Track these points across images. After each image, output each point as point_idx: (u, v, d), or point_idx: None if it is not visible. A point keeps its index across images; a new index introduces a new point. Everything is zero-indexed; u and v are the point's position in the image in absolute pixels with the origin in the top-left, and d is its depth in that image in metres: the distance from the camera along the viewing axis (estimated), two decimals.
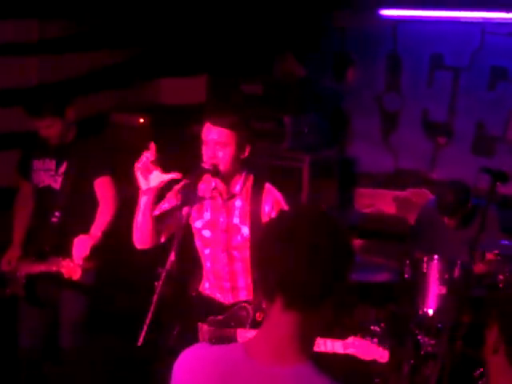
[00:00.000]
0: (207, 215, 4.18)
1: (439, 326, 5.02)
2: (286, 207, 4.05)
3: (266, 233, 2.15)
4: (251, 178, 4.13)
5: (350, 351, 3.66)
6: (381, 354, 3.63)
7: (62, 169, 5.01)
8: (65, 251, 4.77)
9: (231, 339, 3.91)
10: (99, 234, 4.84)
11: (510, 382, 2.18)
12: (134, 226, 4.17)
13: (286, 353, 2.05)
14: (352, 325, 5.23)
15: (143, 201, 4.10)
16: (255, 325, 3.95)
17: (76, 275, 4.73)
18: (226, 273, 4.15)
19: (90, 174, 4.99)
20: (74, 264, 4.72)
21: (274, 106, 7.10)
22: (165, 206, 4.22)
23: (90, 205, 5.00)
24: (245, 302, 4.08)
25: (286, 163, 6.87)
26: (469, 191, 5.78)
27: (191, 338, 3.98)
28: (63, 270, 4.74)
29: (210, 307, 4.19)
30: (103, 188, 5.02)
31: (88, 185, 5.01)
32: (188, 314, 4.16)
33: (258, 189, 4.10)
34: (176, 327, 3.95)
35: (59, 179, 5.01)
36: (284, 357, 2.05)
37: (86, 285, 4.94)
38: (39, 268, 4.88)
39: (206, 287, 4.28)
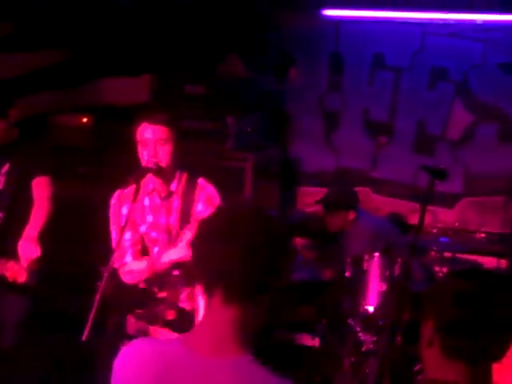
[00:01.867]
0: (150, 218, 4.20)
1: (380, 322, 5.06)
2: (219, 201, 4.08)
3: (204, 229, 2.16)
4: (185, 176, 4.16)
5: None
6: None
7: (5, 169, 4.92)
8: (8, 253, 4.72)
9: (146, 335, 3.93)
10: (35, 234, 4.78)
11: (445, 373, 2.22)
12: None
13: (226, 345, 2.09)
14: (294, 323, 5.27)
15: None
16: (165, 324, 3.95)
17: (21, 278, 4.68)
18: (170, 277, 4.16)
19: (31, 174, 4.94)
20: (19, 266, 4.67)
21: (217, 106, 7.10)
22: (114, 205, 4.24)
23: (33, 205, 4.96)
24: (160, 299, 4.09)
25: (229, 163, 6.87)
26: (352, 196, 6.08)
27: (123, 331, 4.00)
28: (7, 273, 4.68)
29: (139, 300, 4.19)
30: (40, 188, 4.96)
31: (31, 185, 4.95)
32: (122, 307, 4.16)
33: (191, 185, 4.13)
34: (110, 322, 3.95)
35: (2, 180, 4.93)
36: (223, 349, 2.08)
37: (29, 286, 4.89)
38: None
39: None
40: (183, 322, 3.95)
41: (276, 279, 2.11)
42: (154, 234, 4.21)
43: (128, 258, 4.21)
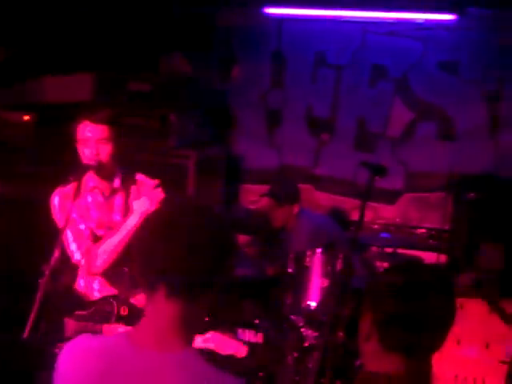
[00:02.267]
0: (94, 214, 4.19)
1: (322, 318, 5.10)
2: (162, 194, 4.08)
3: (147, 225, 2.18)
4: (127, 173, 4.17)
5: (210, 346, 3.75)
6: (239, 349, 3.72)
7: None
8: None
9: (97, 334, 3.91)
10: None
11: (383, 365, 2.26)
12: (107, 249, 4.08)
13: (169, 340, 2.11)
14: (237, 319, 5.28)
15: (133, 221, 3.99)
16: (119, 319, 3.96)
17: None
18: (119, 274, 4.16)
19: None
20: None
21: (160, 103, 7.09)
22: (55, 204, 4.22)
23: None
24: (111, 296, 4.09)
25: (172, 160, 6.87)
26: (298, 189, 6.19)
27: (57, 334, 3.98)
28: None
29: (78, 302, 4.18)
30: None
31: None
32: (55, 310, 4.14)
33: (130, 182, 4.14)
34: (42, 323, 3.93)
35: None
36: (167, 344, 2.11)
37: None
38: None
39: (95, 288, 4.27)
40: (135, 317, 3.97)
41: (219, 276, 2.14)
42: (100, 232, 4.21)
43: (77, 256, 4.20)
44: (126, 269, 4.07)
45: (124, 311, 4.00)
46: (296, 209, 6.10)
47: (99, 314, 4.08)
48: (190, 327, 2.15)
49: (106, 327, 3.99)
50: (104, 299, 4.12)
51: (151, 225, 2.18)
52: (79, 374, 2.14)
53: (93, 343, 2.19)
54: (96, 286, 4.27)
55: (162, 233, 2.11)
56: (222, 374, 2.09)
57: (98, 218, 4.20)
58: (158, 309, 2.14)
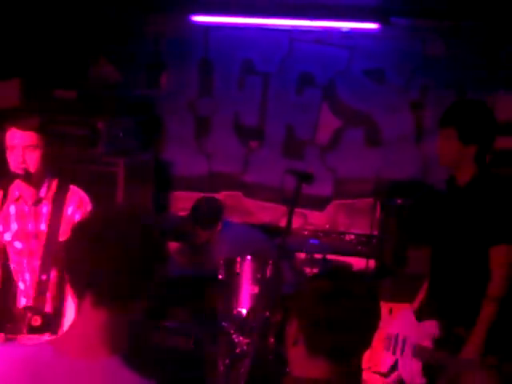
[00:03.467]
0: (14, 226, 4.13)
1: (253, 324, 5.13)
2: (91, 206, 4.07)
3: (75, 232, 2.17)
4: (55, 181, 4.12)
5: None
6: None
7: None
8: None
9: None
10: None
11: (309, 371, 2.29)
12: None
13: (95, 348, 2.09)
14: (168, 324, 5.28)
15: None
16: (31, 330, 3.93)
17: None
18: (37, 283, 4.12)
19: None
20: None
21: (88, 111, 7.04)
22: None
23: None
24: (26, 307, 4.06)
25: (101, 168, 6.82)
26: (221, 209, 6.28)
27: None
28: None
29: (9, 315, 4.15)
30: None
31: None
32: None
33: (62, 191, 4.10)
34: None
35: None
36: (93, 352, 2.09)
37: None
38: None
39: (22, 304, 4.22)
40: (49, 326, 3.94)
41: (148, 284, 2.13)
42: (18, 244, 4.14)
43: None
44: (45, 276, 4.03)
45: (36, 322, 3.96)
46: (219, 227, 6.16)
47: (17, 324, 4.04)
48: (118, 335, 2.13)
49: (20, 338, 3.95)
50: (22, 310, 4.09)
51: (78, 233, 2.16)
52: (2, 383, 2.11)
53: (16, 352, 2.16)
54: (23, 297, 4.23)
55: (87, 241, 2.09)
56: (145, 382, 2.09)
57: (17, 229, 4.15)
58: (84, 317, 2.12)
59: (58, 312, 4.04)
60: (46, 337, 3.86)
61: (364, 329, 2.31)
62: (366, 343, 2.35)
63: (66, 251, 2.17)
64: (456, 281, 4.17)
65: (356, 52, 6.96)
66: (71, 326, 2.18)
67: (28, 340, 3.88)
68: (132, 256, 2.08)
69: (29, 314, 3.97)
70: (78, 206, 4.08)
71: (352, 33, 6.87)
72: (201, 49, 7.37)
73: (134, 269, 2.08)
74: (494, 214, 4.05)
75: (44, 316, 3.97)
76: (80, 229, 2.17)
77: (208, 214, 6.27)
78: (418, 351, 4.12)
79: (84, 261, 2.08)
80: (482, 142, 4.22)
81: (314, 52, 7.06)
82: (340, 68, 7.00)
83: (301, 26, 6.96)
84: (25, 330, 3.95)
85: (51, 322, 3.98)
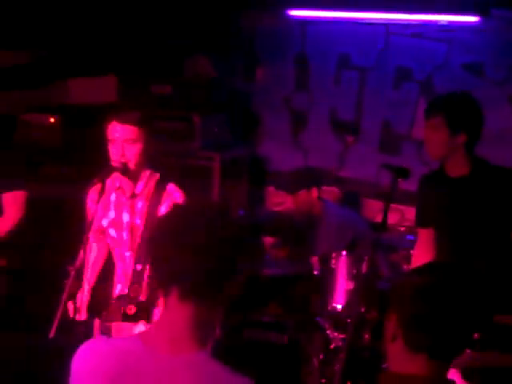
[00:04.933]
0: (112, 213, 4.22)
1: (348, 320, 5.10)
2: None
3: (160, 228, 2.19)
4: (156, 177, 4.17)
5: None
6: None
7: None
8: None
9: (108, 333, 3.97)
10: None
11: (408, 367, 2.26)
12: None
13: (182, 342, 2.12)
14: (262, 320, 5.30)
15: None
16: (126, 318, 3.99)
17: None
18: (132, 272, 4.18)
19: (3, 182, 5.00)
20: None
21: (183, 105, 7.11)
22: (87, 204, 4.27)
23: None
24: (121, 295, 4.12)
25: (197, 162, 6.89)
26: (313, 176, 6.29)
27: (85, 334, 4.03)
28: None
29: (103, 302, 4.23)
30: (11, 202, 5.03)
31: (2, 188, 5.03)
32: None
33: (160, 188, 4.14)
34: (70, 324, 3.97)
35: None
36: (180, 346, 2.11)
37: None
38: None
39: (116, 290, 4.30)
40: (143, 315, 4.00)
41: (232, 278, 2.14)
42: (112, 232, 4.22)
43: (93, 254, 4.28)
44: (140, 266, 4.08)
45: (130, 310, 4.03)
46: (315, 193, 6.10)
47: (111, 312, 4.12)
48: (204, 329, 2.15)
49: (114, 326, 4.02)
50: (117, 298, 4.16)
51: (163, 227, 2.18)
52: (92, 377, 2.15)
53: (106, 346, 2.21)
54: (118, 283, 4.30)
55: (173, 235, 2.11)
56: (234, 375, 2.09)
57: (114, 218, 4.22)
58: (171, 311, 2.15)
59: (152, 301, 4.09)
60: (141, 325, 3.93)
61: (464, 326, 2.27)
62: (466, 341, 2.31)
63: (151, 246, 2.21)
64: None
65: (454, 45, 6.83)
66: (158, 321, 2.23)
67: (122, 328, 3.96)
68: (216, 251, 2.09)
69: (123, 303, 4.05)
70: (169, 205, 4.12)
71: (450, 26, 6.75)
72: (297, 43, 7.35)
73: (219, 263, 2.10)
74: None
75: (138, 305, 4.04)
76: (164, 224, 2.20)
77: (294, 179, 6.28)
78: None
79: (169, 256, 2.10)
80: (471, 130, 4.16)
81: (412, 46, 6.96)
82: (438, 62, 6.89)
83: (398, 20, 6.88)
84: (119, 318, 4.03)
85: (145, 311, 4.05)
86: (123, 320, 4.02)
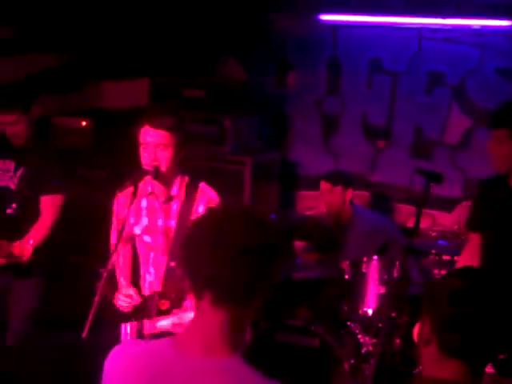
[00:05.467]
0: (145, 220, 4.23)
1: (379, 325, 5.09)
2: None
3: (194, 230, 2.18)
4: (186, 179, 4.18)
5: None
6: None
7: (19, 173, 5.16)
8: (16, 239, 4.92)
9: (141, 331, 3.98)
10: (29, 245, 4.87)
11: (441, 371, 2.25)
12: None
13: (214, 347, 2.11)
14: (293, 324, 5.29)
15: None
16: (160, 313, 4.02)
17: (27, 252, 4.81)
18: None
19: (42, 186, 5.14)
20: (23, 242, 4.85)
21: (215, 109, 7.13)
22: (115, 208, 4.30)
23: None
24: (154, 293, 4.14)
25: (228, 166, 6.91)
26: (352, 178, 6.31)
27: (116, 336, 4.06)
28: (14, 250, 4.83)
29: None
30: (48, 205, 5.17)
31: (39, 198, 5.17)
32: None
33: (192, 189, 4.16)
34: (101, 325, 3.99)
35: (16, 181, 5.16)
36: (212, 350, 2.11)
37: (38, 264, 5.03)
38: None
39: (146, 291, 4.31)
40: (177, 311, 4.01)
41: (266, 281, 2.13)
42: (147, 238, 4.24)
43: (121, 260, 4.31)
44: (173, 263, 4.09)
45: (163, 305, 4.05)
46: (349, 194, 6.11)
47: (143, 309, 4.14)
48: (236, 333, 2.14)
49: (146, 322, 4.04)
50: (149, 296, 4.18)
51: (198, 231, 2.18)
52: (124, 379, 2.16)
53: (138, 348, 2.22)
54: (147, 288, 4.32)
55: (207, 239, 2.10)
56: (266, 381, 2.08)
57: (147, 224, 4.23)
58: (204, 316, 2.15)
59: (182, 295, 4.11)
60: (173, 318, 3.95)
61: (498, 331, 2.25)
62: (501, 347, 2.29)
63: (184, 250, 2.19)
64: None
65: (487, 50, 6.79)
66: (191, 325, 2.20)
67: (154, 325, 3.98)
68: (250, 255, 2.08)
69: (157, 298, 4.07)
70: (206, 204, 4.13)
71: (483, 30, 6.71)
72: (329, 47, 7.35)
73: (252, 268, 2.09)
74: None
75: (172, 301, 4.06)
76: (198, 228, 2.19)
77: (339, 172, 6.43)
78: None
79: (202, 261, 2.10)
80: None
81: (444, 50, 6.93)
82: (471, 66, 6.85)
83: (430, 24, 6.85)
84: (153, 314, 4.05)
85: (179, 307, 4.07)
86: (157, 315, 4.05)
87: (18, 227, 5.08)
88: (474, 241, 4.60)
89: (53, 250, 5.19)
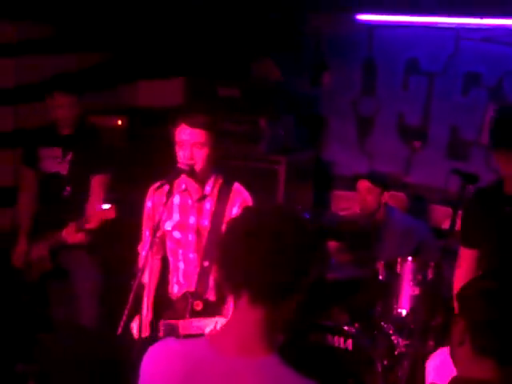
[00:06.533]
0: (176, 216, 4.24)
1: (413, 326, 5.07)
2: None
3: (231, 230, 2.19)
4: (221, 178, 4.19)
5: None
6: None
7: (68, 157, 5.41)
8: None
9: (175, 331, 3.99)
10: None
11: (475, 371, 2.25)
12: None
13: (251, 346, 2.12)
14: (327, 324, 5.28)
15: None
16: (193, 314, 4.02)
17: (79, 236, 5.08)
18: (196, 274, 4.20)
19: (92, 167, 5.38)
20: (76, 226, 5.05)
21: (250, 108, 7.14)
22: (148, 205, 4.31)
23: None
24: (187, 292, 4.14)
25: (263, 165, 6.91)
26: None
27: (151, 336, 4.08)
28: (67, 234, 5.08)
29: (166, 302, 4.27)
30: (97, 184, 5.39)
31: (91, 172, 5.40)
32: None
33: (226, 189, 4.17)
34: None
35: (66, 166, 5.40)
36: (249, 350, 2.11)
37: (93, 245, 5.27)
38: (49, 243, 5.24)
39: (174, 291, 4.32)
40: (210, 312, 4.02)
41: (302, 281, 2.14)
42: (177, 234, 4.24)
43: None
44: (207, 263, 4.10)
45: (197, 306, 4.07)
46: (385, 197, 6.11)
47: (176, 310, 4.16)
48: (273, 332, 2.15)
49: (181, 323, 4.05)
50: (182, 296, 4.19)
51: (234, 230, 2.19)
52: (162, 378, 2.17)
53: (175, 346, 2.22)
54: (176, 284, 4.33)
55: (244, 238, 2.11)
56: (303, 380, 2.09)
57: (179, 220, 4.24)
58: (241, 315, 2.15)
59: (222, 299, 4.11)
60: (208, 321, 3.96)
61: None
62: None
63: (220, 250, 2.20)
64: None
65: None
66: (228, 324, 2.22)
67: (189, 325, 3.99)
68: (287, 254, 2.08)
69: (190, 299, 4.08)
70: (240, 205, 4.13)
71: None
72: (364, 48, 7.33)
73: (289, 267, 2.09)
74: None
75: (205, 301, 4.07)
76: (234, 227, 2.20)
77: (379, 174, 6.43)
78: None
79: (239, 260, 2.10)
80: None
81: (481, 51, 6.87)
82: (508, 67, 6.79)
83: (467, 24, 6.80)
84: (187, 315, 4.06)
85: (212, 307, 4.08)
86: (191, 316, 4.06)
87: (73, 207, 5.26)
88: (468, 257, 4.44)
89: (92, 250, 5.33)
